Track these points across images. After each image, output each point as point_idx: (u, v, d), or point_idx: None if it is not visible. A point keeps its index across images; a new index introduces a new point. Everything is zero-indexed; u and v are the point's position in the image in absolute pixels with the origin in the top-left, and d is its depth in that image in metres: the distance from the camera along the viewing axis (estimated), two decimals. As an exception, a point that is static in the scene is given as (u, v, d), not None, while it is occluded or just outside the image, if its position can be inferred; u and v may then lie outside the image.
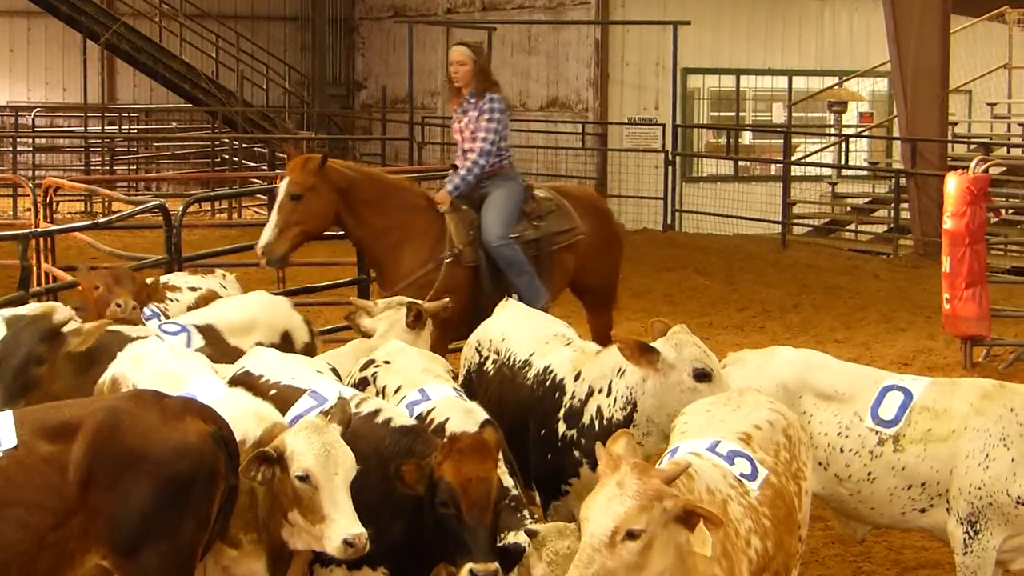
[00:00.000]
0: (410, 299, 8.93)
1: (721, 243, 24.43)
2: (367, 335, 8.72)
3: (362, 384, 7.56)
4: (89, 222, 16.67)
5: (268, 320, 8.52)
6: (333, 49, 37.46)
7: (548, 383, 7.77)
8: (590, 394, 7.56)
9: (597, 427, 7.44)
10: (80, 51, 33.28)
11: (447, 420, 6.92)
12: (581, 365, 7.71)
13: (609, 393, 7.46)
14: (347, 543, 5.90)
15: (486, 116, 11.22)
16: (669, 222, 26.67)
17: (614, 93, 29.07)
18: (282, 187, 10.72)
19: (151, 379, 6.84)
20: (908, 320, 17.42)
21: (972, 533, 7.10)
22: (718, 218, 26.23)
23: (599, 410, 7.49)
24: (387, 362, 7.70)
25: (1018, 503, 7.03)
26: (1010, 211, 23.33)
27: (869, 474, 7.31)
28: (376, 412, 6.66)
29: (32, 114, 31.90)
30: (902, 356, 15.18)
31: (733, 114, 30.60)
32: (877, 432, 7.30)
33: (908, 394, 7.32)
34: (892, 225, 24.43)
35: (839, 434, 7.38)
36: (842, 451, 7.37)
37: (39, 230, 13.37)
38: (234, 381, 7.12)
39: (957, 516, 7.14)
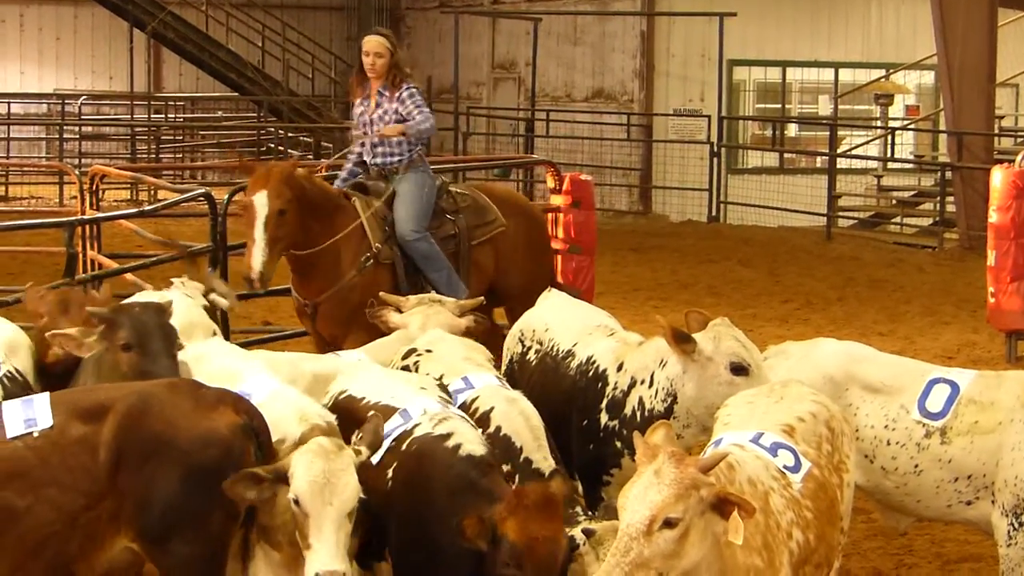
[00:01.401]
0: (450, 300, 8.83)
1: (766, 235, 24.38)
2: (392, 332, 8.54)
3: (404, 373, 7.53)
4: (135, 210, 16.74)
5: (202, 322, 8.23)
6: (379, 39, 37.45)
7: (591, 373, 7.75)
8: (632, 385, 7.55)
9: (639, 418, 7.42)
10: (127, 39, 33.39)
11: (491, 409, 6.91)
12: (624, 356, 7.69)
13: (651, 384, 7.45)
14: None
15: (416, 102, 10.85)
16: (714, 214, 26.65)
17: (660, 84, 29.03)
18: (261, 202, 10.02)
19: (211, 375, 6.77)
20: (952, 314, 17.35)
21: (1016, 525, 7.07)
22: (763, 210, 26.14)
23: (641, 401, 7.48)
24: (429, 351, 7.68)
25: (1064, 496, 7.00)
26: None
27: (916, 466, 7.28)
28: (448, 435, 6.34)
29: (79, 102, 32.03)
30: (946, 350, 15.11)
31: (779, 106, 30.51)
32: (924, 425, 7.26)
33: (955, 387, 7.29)
34: (937, 218, 24.33)
35: (885, 427, 7.35)
36: (888, 444, 7.33)
37: (85, 217, 13.43)
38: (336, 407, 6.88)
39: (1002, 508, 7.10)
